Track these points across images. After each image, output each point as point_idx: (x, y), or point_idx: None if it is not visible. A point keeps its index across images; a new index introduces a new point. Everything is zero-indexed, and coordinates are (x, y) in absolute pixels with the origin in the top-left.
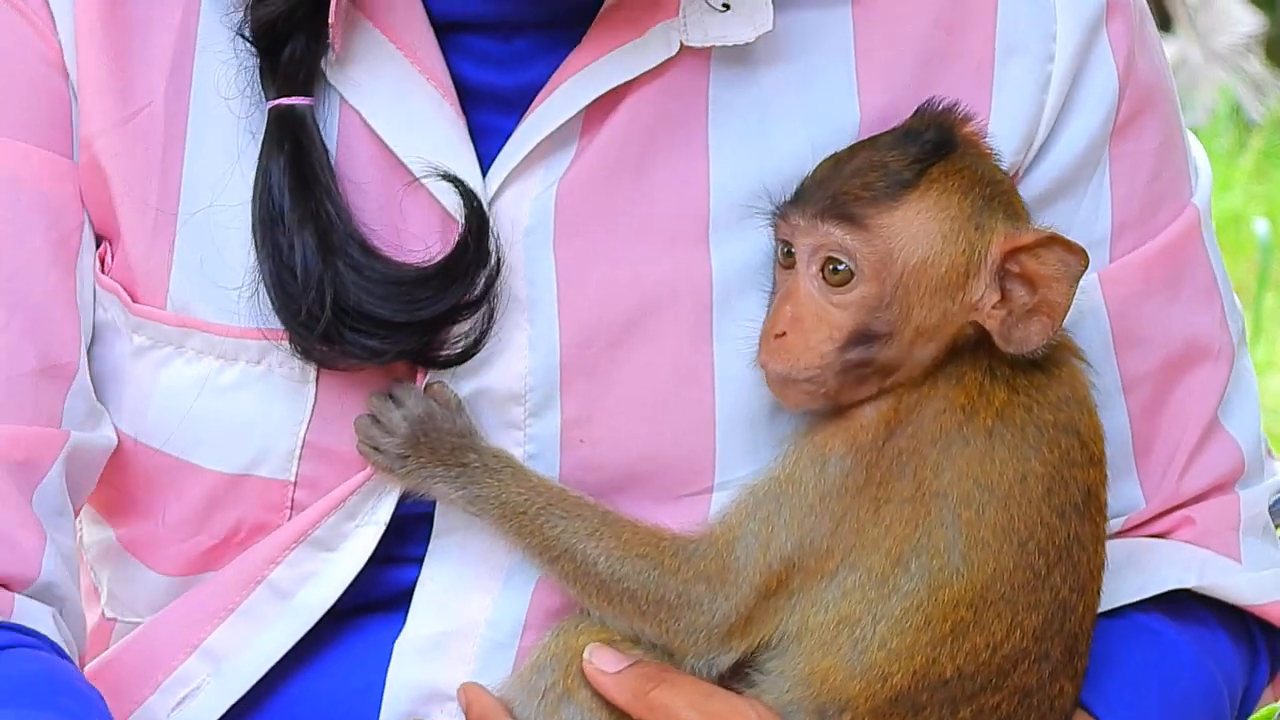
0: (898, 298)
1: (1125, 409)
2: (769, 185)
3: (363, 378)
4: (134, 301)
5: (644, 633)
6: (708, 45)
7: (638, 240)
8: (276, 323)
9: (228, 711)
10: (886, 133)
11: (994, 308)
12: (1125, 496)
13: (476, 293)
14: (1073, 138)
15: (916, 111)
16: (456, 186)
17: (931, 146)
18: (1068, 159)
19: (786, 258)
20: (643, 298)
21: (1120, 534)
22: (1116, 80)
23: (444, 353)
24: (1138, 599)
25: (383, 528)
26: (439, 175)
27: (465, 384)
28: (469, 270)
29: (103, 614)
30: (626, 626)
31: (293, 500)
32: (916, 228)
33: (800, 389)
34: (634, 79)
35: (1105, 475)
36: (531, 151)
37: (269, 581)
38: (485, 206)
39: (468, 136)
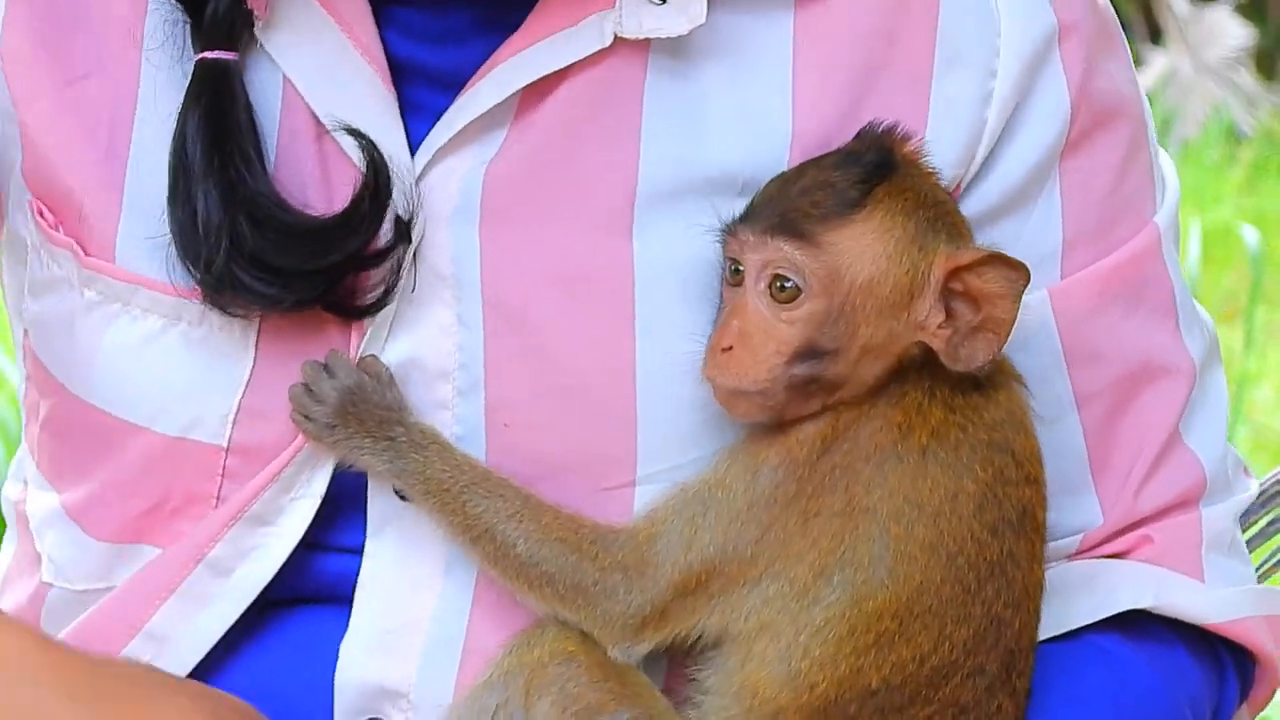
0: (845, 314)
1: (1079, 425)
2: (697, 184)
3: (302, 347)
4: (85, 254)
5: (564, 618)
6: (642, 37)
7: (562, 227)
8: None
9: None
10: (830, 153)
11: (939, 327)
12: (1082, 512)
13: (380, 245)
14: (1020, 155)
15: (858, 134)
16: (359, 140)
17: (872, 167)
18: (1015, 176)
19: (734, 275)
20: (565, 285)
21: (1078, 554)
22: (1069, 99)
23: (355, 303)
24: (1093, 620)
25: (318, 501)
26: (344, 129)
27: (395, 358)
28: (365, 222)
29: (40, 579)
30: (548, 611)
31: (224, 468)
32: (863, 246)
33: (750, 401)
34: (570, 67)
35: (1043, 496)
36: (461, 131)
37: (208, 560)
38: (414, 178)
39: (398, 113)
